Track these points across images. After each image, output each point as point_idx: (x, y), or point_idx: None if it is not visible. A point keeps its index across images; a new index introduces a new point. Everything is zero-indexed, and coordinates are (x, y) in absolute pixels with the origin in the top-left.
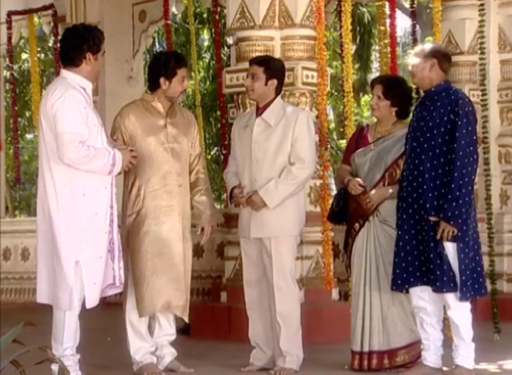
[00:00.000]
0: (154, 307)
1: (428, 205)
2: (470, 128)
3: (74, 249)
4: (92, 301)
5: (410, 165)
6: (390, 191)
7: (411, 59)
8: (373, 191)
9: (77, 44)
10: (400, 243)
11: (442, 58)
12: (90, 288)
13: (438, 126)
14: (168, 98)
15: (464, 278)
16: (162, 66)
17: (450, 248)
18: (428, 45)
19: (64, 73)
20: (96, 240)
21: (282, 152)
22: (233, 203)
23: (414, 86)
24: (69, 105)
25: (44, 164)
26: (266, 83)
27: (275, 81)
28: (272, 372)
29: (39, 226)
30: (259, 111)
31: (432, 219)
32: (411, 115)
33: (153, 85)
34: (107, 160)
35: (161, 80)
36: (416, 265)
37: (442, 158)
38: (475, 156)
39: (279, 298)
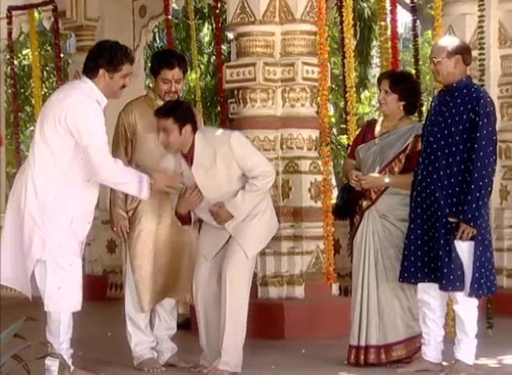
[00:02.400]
0: (153, 302)
1: (442, 203)
2: (490, 129)
3: (44, 249)
4: (52, 307)
5: (425, 159)
6: (386, 180)
7: (434, 58)
8: (370, 174)
9: (94, 57)
10: (412, 236)
11: (465, 52)
12: (53, 292)
13: (456, 123)
14: (157, 95)
15: (477, 275)
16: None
17: (464, 247)
18: (449, 41)
19: (85, 79)
20: (68, 245)
21: (233, 181)
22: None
23: (434, 83)
24: (95, 117)
25: (44, 159)
26: (180, 133)
27: (188, 127)
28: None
29: (12, 215)
30: (187, 158)
31: (452, 220)
32: (429, 106)
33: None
34: (133, 177)
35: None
36: (425, 261)
37: (458, 156)
38: (494, 157)
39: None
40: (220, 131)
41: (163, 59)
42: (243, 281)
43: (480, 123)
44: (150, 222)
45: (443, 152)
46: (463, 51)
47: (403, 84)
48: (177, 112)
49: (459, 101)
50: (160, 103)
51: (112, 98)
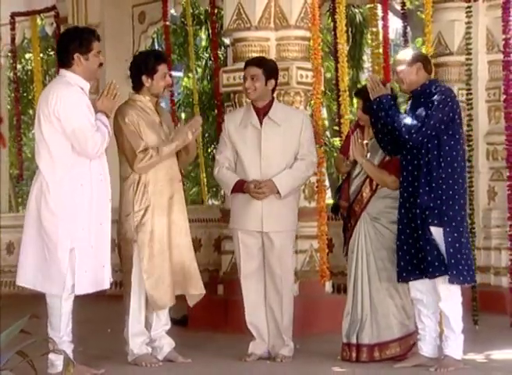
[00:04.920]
0: (168, 301)
1: (421, 190)
2: (429, 111)
3: (70, 237)
4: (82, 288)
5: (403, 161)
6: (363, 160)
7: (397, 67)
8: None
9: (65, 46)
10: (402, 237)
11: (425, 61)
12: (81, 275)
13: None
14: (153, 94)
15: (453, 261)
16: (143, 65)
17: (436, 233)
18: (408, 52)
19: (63, 72)
20: (90, 229)
21: (290, 151)
22: (232, 196)
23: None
24: (74, 100)
25: (42, 158)
26: (266, 84)
27: (273, 81)
28: (279, 359)
29: (31, 215)
30: (260, 111)
31: None
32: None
33: (136, 85)
34: (106, 129)
35: (143, 77)
36: (418, 258)
37: (435, 151)
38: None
39: (284, 290)
40: None
41: (158, 56)
42: (291, 277)
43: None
44: (162, 220)
45: (419, 151)
46: (423, 60)
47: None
48: (268, 65)
49: (422, 100)
50: (149, 104)
51: (92, 79)
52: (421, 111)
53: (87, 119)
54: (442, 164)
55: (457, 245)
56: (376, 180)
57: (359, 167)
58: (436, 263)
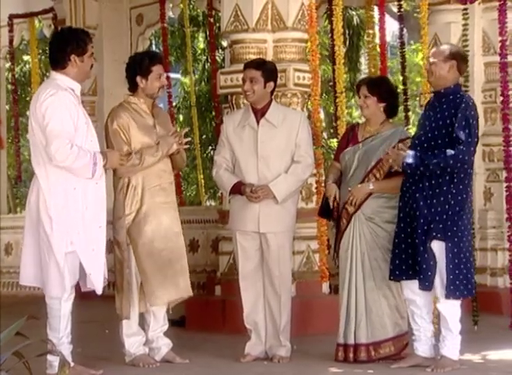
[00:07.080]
0: (165, 299)
1: (421, 203)
2: (467, 130)
3: (65, 240)
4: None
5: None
6: (371, 186)
7: (431, 58)
8: (353, 188)
9: (61, 47)
10: (402, 235)
11: (461, 60)
12: (87, 276)
13: (439, 128)
14: (148, 95)
15: (451, 277)
16: (137, 65)
17: (436, 248)
18: (448, 46)
19: (53, 74)
20: (87, 232)
21: (287, 151)
22: (231, 198)
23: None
24: (58, 104)
25: (37, 161)
26: (265, 86)
27: (272, 84)
28: (276, 360)
29: (30, 217)
30: (258, 112)
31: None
32: (421, 112)
33: (132, 86)
34: (88, 159)
35: (138, 78)
36: (408, 263)
37: None
38: (472, 158)
39: (282, 291)
40: None
41: (153, 57)
42: (288, 278)
43: (457, 124)
44: (153, 222)
45: (426, 154)
46: (459, 58)
47: (380, 87)
48: (267, 67)
49: (444, 106)
50: (143, 106)
51: (84, 80)
52: (458, 131)
53: (62, 124)
54: (455, 180)
55: (457, 261)
56: (397, 190)
57: (354, 168)
58: (422, 276)
